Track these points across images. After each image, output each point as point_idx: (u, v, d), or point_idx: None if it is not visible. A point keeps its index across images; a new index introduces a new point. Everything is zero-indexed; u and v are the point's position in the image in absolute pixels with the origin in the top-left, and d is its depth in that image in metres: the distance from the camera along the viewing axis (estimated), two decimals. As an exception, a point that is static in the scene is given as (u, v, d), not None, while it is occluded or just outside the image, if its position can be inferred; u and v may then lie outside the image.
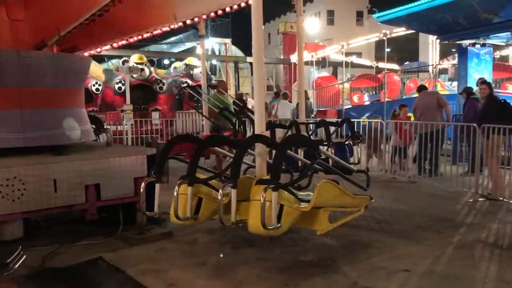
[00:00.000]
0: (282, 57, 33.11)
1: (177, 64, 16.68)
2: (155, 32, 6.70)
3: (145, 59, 14.97)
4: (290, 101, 14.11)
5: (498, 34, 13.01)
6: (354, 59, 27.41)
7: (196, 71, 14.69)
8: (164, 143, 5.10)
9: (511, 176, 7.11)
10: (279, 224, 3.65)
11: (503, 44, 14.75)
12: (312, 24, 43.34)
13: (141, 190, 4.63)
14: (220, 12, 6.20)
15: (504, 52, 21.94)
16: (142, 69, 14.34)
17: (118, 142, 11.00)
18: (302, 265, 4.46)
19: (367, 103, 19.63)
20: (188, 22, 6.35)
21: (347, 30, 38.66)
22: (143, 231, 5.47)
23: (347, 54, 24.88)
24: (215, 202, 4.07)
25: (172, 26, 6.53)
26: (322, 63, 29.26)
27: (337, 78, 25.73)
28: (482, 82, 7.90)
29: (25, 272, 4.30)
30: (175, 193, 4.15)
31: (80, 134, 5.95)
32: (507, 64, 20.55)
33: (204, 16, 6.33)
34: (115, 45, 7.10)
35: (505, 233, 5.44)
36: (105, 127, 9.69)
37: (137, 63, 14.42)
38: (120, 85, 13.98)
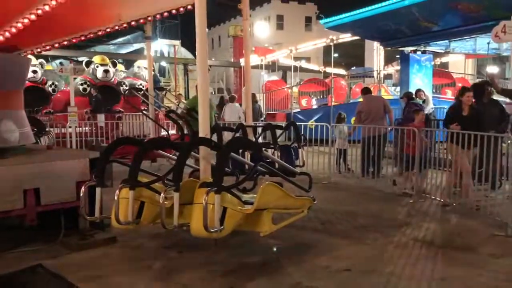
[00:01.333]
0: (232, 60, 33.19)
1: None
2: (100, 33, 6.54)
3: (107, 60, 14.70)
4: (240, 104, 14.16)
5: (437, 42, 13.65)
6: (303, 63, 27.89)
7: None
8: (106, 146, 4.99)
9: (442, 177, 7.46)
10: (222, 227, 3.66)
11: (442, 51, 15.45)
12: (261, 28, 43.78)
13: (82, 195, 4.51)
14: (166, 14, 6.15)
15: (444, 59, 23.00)
16: (107, 71, 14.13)
17: (62, 145, 10.68)
18: (247, 267, 4.49)
19: (315, 107, 19.99)
20: (134, 23, 6.26)
21: (296, 35, 39.25)
22: (85, 237, 5.32)
23: (296, 58, 25.27)
24: (158, 206, 4.03)
25: (117, 27, 6.40)
26: (272, 67, 29.56)
27: (287, 82, 26.06)
28: (467, 89, 7.90)
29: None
30: (116, 197, 4.07)
31: (19, 137, 5.72)
32: (446, 70, 21.54)
33: (150, 18, 6.26)
34: (57, 45, 6.86)
35: (441, 232, 5.70)
36: (47, 129, 9.40)
37: (101, 64, 14.20)
38: (85, 86, 13.81)
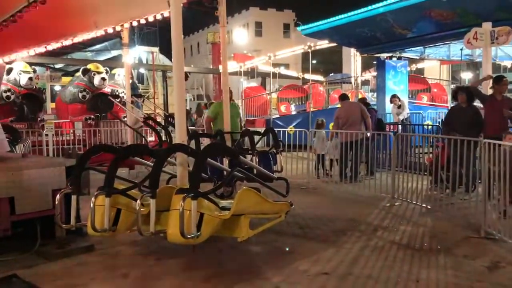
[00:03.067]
0: (211, 66, 33.19)
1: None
2: (76, 40, 6.49)
3: (101, 68, 14.69)
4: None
5: (412, 48, 13.94)
6: (282, 70, 28.11)
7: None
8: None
9: (417, 181, 7.60)
10: (199, 233, 3.66)
11: (417, 57, 15.77)
12: (240, 35, 43.96)
13: (56, 203, 4.46)
14: (143, 21, 6.14)
15: (420, 65, 23.44)
16: (105, 78, 14.19)
17: (38, 153, 10.52)
18: (226, 272, 4.49)
19: (293, 113, 20.14)
20: (111, 30, 6.24)
21: (275, 41, 39.55)
22: (62, 245, 5.24)
23: (275, 65, 25.45)
24: (135, 213, 4.01)
25: (93, 34, 6.37)
26: (251, 73, 29.67)
27: (266, 89, 26.19)
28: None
29: None
30: (91, 205, 4.04)
31: (-8, 145, 5.63)
32: (422, 76, 21.94)
33: (127, 25, 6.24)
34: (32, 52, 6.77)
35: (417, 235, 5.79)
36: (23, 137, 9.26)
37: (98, 72, 14.21)
38: (84, 93, 13.84)
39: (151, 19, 6.06)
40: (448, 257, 4.87)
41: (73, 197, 4.29)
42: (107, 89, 14.80)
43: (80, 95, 13.99)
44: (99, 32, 6.30)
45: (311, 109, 16.90)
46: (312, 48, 18.87)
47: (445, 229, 5.96)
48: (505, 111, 6.90)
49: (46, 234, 5.25)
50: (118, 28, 6.17)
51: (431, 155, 8.10)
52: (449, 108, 8.26)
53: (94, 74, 14.24)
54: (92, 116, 13.32)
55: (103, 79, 14.23)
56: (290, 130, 10.94)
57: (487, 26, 8.27)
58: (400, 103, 13.00)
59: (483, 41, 8.29)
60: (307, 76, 24.80)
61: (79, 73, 15.17)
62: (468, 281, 4.21)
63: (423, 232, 5.91)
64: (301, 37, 18.11)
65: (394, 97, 13.05)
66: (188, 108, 25.48)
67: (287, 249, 5.15)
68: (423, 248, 5.20)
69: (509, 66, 19.87)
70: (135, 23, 6.38)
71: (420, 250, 5.14)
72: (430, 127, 12.75)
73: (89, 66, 14.88)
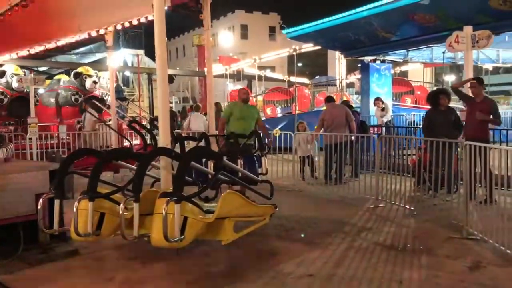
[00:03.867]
0: (197, 69, 33.14)
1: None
2: (60, 43, 6.45)
3: (92, 71, 14.63)
4: (206, 113, 14.19)
5: (396, 51, 14.10)
6: (268, 73, 28.19)
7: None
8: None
9: (400, 183, 7.69)
10: (183, 236, 3.66)
11: (401, 60, 15.95)
12: (226, 38, 44.00)
13: (39, 207, 4.42)
14: (127, 24, 6.13)
15: (404, 68, 23.71)
16: (96, 82, 14.15)
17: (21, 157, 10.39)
18: (211, 276, 4.50)
19: (279, 115, 20.19)
20: (95, 34, 6.21)
21: (260, 44, 39.66)
22: (46, 250, 5.20)
23: (261, 68, 25.51)
24: (118, 217, 4.00)
25: (77, 38, 6.34)
26: (237, 76, 29.70)
27: (252, 91, 26.23)
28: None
29: None
30: (75, 209, 4.02)
31: (-26, 150, 5.56)
32: (405, 79, 22.18)
33: (111, 28, 6.23)
34: (14, 55, 6.69)
35: (401, 235, 5.86)
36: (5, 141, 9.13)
37: (89, 76, 14.17)
38: (76, 96, 13.77)
39: (135, 22, 6.05)
40: (430, 257, 4.94)
41: (56, 202, 4.26)
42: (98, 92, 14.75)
43: (72, 98, 13.96)
44: (83, 36, 6.27)
45: (297, 112, 16.95)
46: (298, 51, 18.99)
47: (427, 230, 6.04)
48: (478, 114, 6.98)
49: (29, 239, 5.20)
50: (102, 31, 6.15)
51: (414, 156, 8.21)
52: (427, 112, 8.32)
53: (86, 77, 14.27)
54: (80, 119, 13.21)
55: (95, 82, 14.25)
56: (276, 133, 10.97)
57: (468, 29, 8.39)
58: (383, 106, 13.13)
59: (464, 44, 8.40)
60: (293, 78, 24.90)
61: (60, 76, 15.10)
62: (449, 281, 4.28)
63: (406, 233, 5.98)
64: (286, 40, 18.21)
65: (377, 99, 13.17)
66: (175, 110, 25.43)
67: (272, 251, 5.18)
68: (406, 249, 5.27)
69: (490, 69, 20.21)
70: (119, 27, 6.37)
71: (403, 251, 5.20)
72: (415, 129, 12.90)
73: (80, 69, 14.84)
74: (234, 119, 7.48)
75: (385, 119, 13.20)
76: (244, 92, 8.03)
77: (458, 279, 4.32)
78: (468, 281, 4.27)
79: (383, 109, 13.11)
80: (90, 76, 14.36)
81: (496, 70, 24.86)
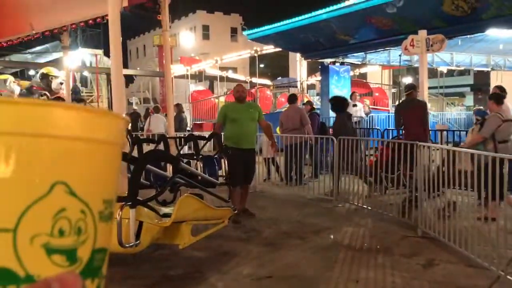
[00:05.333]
0: (158, 69, 32.75)
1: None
2: (11, 42, 6.23)
3: (55, 71, 14.22)
4: (166, 114, 14.02)
5: (354, 54, 14.37)
6: (230, 73, 28.15)
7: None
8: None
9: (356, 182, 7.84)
10: (138, 241, 3.59)
11: (359, 63, 16.26)
12: (187, 38, 43.67)
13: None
14: (82, 24, 5.99)
15: (363, 70, 24.18)
16: (62, 82, 13.75)
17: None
18: (170, 279, 4.45)
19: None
20: (48, 33, 6.02)
21: (222, 45, 39.58)
22: None
23: (224, 68, 25.46)
24: (156, 226, 3.85)
25: (30, 37, 6.14)
26: (198, 76, 29.51)
27: (214, 92, 26.15)
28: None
29: None
30: (118, 217, 3.84)
31: None
32: (364, 81, 22.65)
33: (66, 27, 6.05)
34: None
35: (358, 235, 5.98)
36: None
37: (55, 77, 13.76)
38: (45, 97, 13.39)
39: (91, 22, 5.92)
40: (386, 256, 5.05)
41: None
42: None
43: (41, 99, 13.65)
44: (37, 35, 6.08)
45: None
46: (259, 53, 19.09)
47: (384, 229, 6.17)
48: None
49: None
50: (56, 30, 5.97)
51: (372, 157, 8.39)
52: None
53: (52, 78, 13.92)
54: None
55: (61, 83, 13.93)
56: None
57: (422, 33, 8.66)
58: (355, 103, 13.05)
59: (419, 47, 8.67)
60: (255, 80, 25.00)
61: (3, 76, 14.64)
62: (404, 279, 4.39)
63: (364, 232, 6.10)
64: (248, 41, 18.24)
65: (353, 94, 13.27)
66: (137, 111, 24.98)
67: (231, 253, 5.17)
68: (363, 248, 5.38)
69: (445, 71, 20.91)
70: (74, 26, 6.22)
71: (360, 250, 5.31)
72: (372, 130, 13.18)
73: (44, 70, 14.44)
74: (230, 122, 6.60)
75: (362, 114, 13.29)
76: (237, 90, 6.78)
77: (413, 277, 4.44)
78: (422, 278, 4.40)
79: (355, 105, 12.98)
80: (56, 77, 14.04)
81: (450, 73, 25.75)
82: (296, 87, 23.30)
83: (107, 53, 31.81)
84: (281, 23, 12.83)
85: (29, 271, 0.45)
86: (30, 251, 0.45)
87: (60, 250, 0.47)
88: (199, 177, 5.30)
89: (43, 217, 0.46)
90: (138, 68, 41.21)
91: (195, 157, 5.98)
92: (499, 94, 6.94)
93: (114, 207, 0.53)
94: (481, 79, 27.31)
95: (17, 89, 13.83)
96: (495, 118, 6.39)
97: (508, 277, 4.11)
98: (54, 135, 0.46)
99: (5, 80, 14.91)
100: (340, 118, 8.56)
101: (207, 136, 6.63)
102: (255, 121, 6.72)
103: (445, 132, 11.01)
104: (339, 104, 8.74)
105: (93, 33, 32.94)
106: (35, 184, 0.45)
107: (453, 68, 17.91)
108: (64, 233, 0.47)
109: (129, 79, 37.51)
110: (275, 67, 39.21)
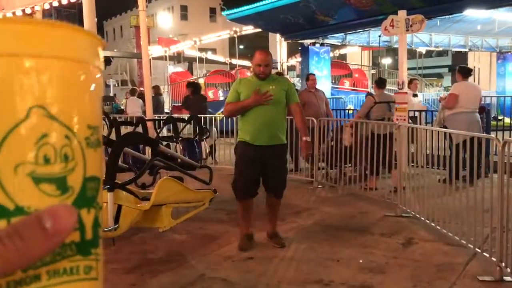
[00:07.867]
0: (135, 51, 32.23)
1: None
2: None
3: None
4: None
5: (334, 35, 14.33)
6: (209, 55, 27.86)
7: None
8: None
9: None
10: (117, 225, 3.55)
11: (339, 44, 16.25)
12: (165, 19, 42.99)
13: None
14: (56, 4, 5.81)
15: (342, 51, 24.21)
16: None
17: None
18: (150, 263, 4.43)
19: (221, 98, 20.07)
20: (20, 13, 5.82)
21: (201, 26, 39.08)
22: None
23: (203, 50, 25.18)
24: (136, 209, 3.78)
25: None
26: (177, 58, 29.16)
27: (193, 74, 25.88)
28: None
29: None
30: None
31: None
32: (344, 62, 22.69)
33: (39, 8, 5.86)
34: None
35: (339, 215, 6.03)
36: None
37: None
38: None
39: (65, 2, 5.74)
40: (366, 236, 5.11)
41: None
42: None
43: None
44: (8, 15, 5.87)
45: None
46: (239, 33, 18.91)
47: (364, 209, 6.24)
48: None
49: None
50: (28, 11, 5.77)
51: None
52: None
53: None
54: None
55: None
56: (219, 116, 10.90)
57: (402, 14, 8.62)
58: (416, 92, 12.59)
59: (398, 28, 8.65)
60: (235, 61, 24.81)
61: None
62: (384, 258, 4.44)
63: (344, 212, 6.15)
64: (227, 22, 18.05)
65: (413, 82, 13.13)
66: (112, 94, 24.59)
67: (213, 235, 5.17)
68: (344, 228, 5.43)
69: (424, 52, 21.06)
70: (47, 6, 6.02)
71: (341, 230, 5.35)
72: (352, 111, 13.23)
73: None
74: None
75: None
76: (260, 58, 4.53)
77: (392, 255, 4.50)
78: (402, 257, 4.46)
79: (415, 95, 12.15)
80: None
81: (429, 54, 25.99)
82: (276, 68, 23.24)
83: (83, 34, 31.14)
84: (261, 3, 12.69)
85: (18, 202, 0.42)
86: (15, 181, 0.42)
87: (48, 179, 0.44)
88: (179, 160, 5.26)
89: (25, 144, 0.43)
90: (115, 50, 40.46)
91: (174, 139, 5.92)
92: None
93: (101, 135, 0.49)
94: (459, 60, 27.64)
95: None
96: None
97: (484, 254, 4.20)
98: (26, 53, 0.42)
99: None
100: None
101: (186, 119, 6.58)
102: (281, 104, 4.58)
103: (423, 113, 11.08)
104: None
105: (69, 13, 32.15)
106: (10, 109, 0.42)
107: (432, 48, 18.05)
108: (49, 160, 0.44)
109: (106, 61, 36.85)
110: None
